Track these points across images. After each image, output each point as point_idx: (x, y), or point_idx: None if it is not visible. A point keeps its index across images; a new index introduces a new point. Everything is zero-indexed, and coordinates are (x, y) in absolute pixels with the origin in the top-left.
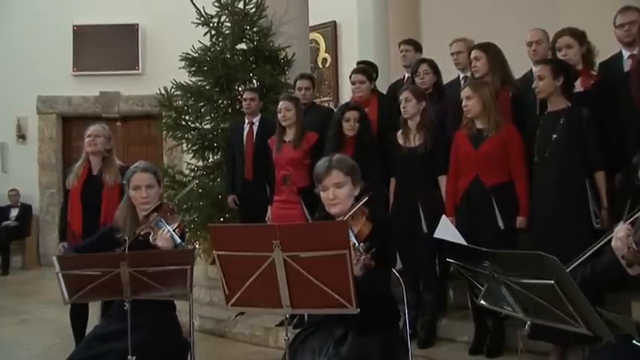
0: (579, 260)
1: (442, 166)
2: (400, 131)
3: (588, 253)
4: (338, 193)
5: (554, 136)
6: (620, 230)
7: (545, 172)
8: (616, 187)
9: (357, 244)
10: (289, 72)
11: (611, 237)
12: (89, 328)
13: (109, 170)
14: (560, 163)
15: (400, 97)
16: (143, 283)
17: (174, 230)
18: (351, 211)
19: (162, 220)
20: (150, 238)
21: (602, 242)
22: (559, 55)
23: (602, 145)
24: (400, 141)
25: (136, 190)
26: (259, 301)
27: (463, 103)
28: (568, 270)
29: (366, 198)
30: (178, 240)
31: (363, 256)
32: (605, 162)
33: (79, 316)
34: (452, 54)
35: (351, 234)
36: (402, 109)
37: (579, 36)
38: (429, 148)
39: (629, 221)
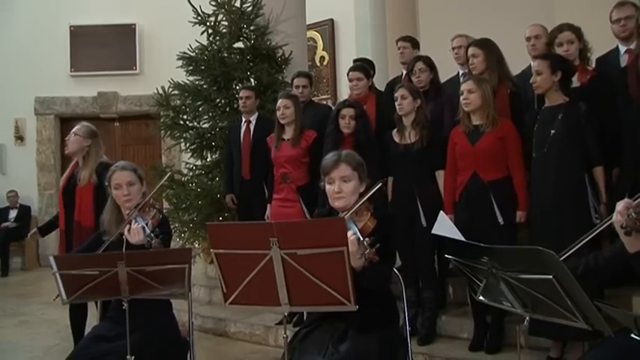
0: (577, 246)
1: (439, 161)
2: (396, 129)
3: (588, 238)
4: (344, 187)
5: (553, 131)
6: (620, 204)
7: (544, 168)
8: (614, 182)
9: (361, 239)
10: (287, 70)
11: (609, 223)
12: (88, 328)
13: (83, 168)
14: (559, 159)
15: (395, 95)
16: (141, 282)
17: (147, 223)
18: (356, 206)
19: (139, 216)
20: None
21: (604, 226)
22: (559, 50)
23: (600, 140)
24: (396, 138)
25: (117, 190)
26: (258, 299)
27: (464, 96)
28: (563, 257)
29: (372, 191)
30: (148, 231)
31: (367, 250)
32: (603, 157)
33: (78, 316)
34: (453, 48)
35: (355, 228)
36: (397, 107)
37: (578, 31)
38: (425, 144)
39: (635, 200)
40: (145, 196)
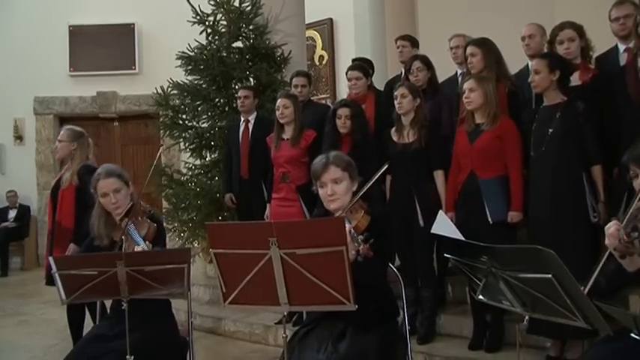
0: (591, 280)
1: (437, 160)
2: (394, 128)
3: (596, 271)
4: (336, 188)
5: (551, 130)
6: (610, 227)
7: (542, 167)
8: (614, 181)
9: (355, 235)
10: (286, 70)
11: (606, 256)
12: (87, 328)
13: (68, 171)
14: (557, 158)
15: (395, 93)
16: (140, 282)
17: (143, 237)
18: (350, 205)
19: (132, 227)
20: (124, 247)
21: (605, 257)
22: (561, 48)
23: (599, 139)
24: (394, 138)
25: (104, 198)
26: (257, 299)
27: (465, 95)
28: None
29: (364, 190)
30: (148, 249)
31: (362, 246)
32: (601, 156)
33: (76, 315)
34: (451, 48)
35: (348, 225)
36: (396, 105)
37: (579, 29)
38: (424, 144)
39: (624, 221)
40: (133, 197)
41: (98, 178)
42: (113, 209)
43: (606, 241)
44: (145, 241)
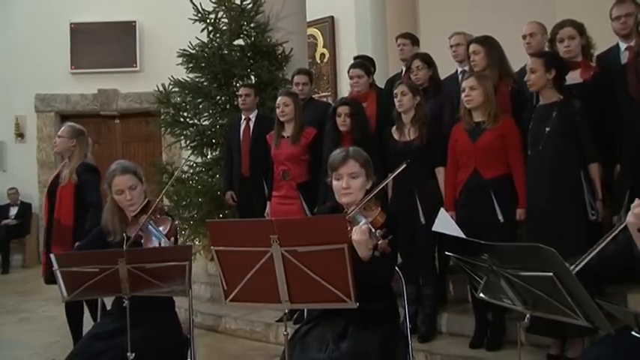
0: (591, 255)
1: (439, 158)
2: (395, 126)
3: (601, 246)
4: (352, 183)
5: (547, 129)
6: (636, 206)
7: (539, 165)
8: (615, 178)
9: (372, 230)
10: (287, 67)
11: (619, 229)
12: (86, 325)
13: (66, 168)
14: (554, 156)
15: (395, 92)
16: (141, 279)
17: (165, 234)
18: (363, 202)
19: (152, 223)
20: (142, 242)
21: (618, 230)
22: (561, 46)
23: (598, 137)
24: (395, 136)
25: (119, 195)
26: (258, 297)
27: (466, 93)
28: (577, 267)
29: (380, 187)
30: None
31: (380, 241)
32: (598, 154)
33: (75, 313)
34: (451, 46)
35: (365, 221)
36: (397, 103)
37: (580, 27)
38: (425, 141)
39: None
40: (147, 194)
41: (114, 174)
42: (127, 206)
43: (629, 219)
44: (165, 234)
